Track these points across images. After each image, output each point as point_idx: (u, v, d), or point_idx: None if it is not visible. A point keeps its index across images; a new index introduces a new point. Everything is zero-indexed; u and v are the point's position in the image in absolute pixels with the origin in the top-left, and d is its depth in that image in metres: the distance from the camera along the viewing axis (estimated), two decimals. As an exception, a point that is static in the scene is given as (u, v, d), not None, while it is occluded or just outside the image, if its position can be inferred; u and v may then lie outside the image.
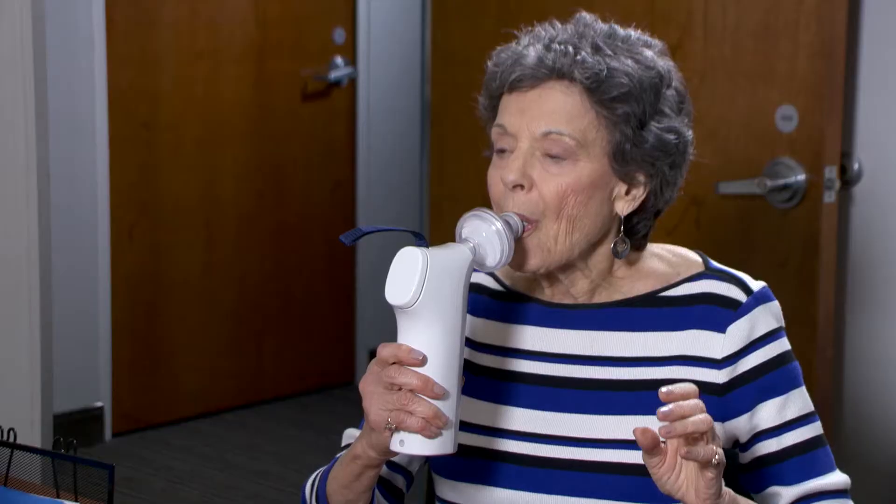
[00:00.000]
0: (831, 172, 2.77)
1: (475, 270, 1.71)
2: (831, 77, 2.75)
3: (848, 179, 2.98)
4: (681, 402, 1.54)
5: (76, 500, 1.85)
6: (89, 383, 4.66)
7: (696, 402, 1.55)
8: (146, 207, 4.76)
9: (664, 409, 1.53)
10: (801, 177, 2.78)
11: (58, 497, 1.87)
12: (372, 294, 5.33)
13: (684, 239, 2.90)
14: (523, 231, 1.71)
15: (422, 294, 1.60)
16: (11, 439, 1.91)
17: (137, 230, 4.74)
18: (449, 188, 3.33)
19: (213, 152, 4.90)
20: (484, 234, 1.67)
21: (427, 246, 1.63)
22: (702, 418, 1.55)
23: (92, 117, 4.57)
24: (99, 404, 4.70)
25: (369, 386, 1.64)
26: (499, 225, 1.67)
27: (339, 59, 5.17)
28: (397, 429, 1.62)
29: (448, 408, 1.62)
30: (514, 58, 1.73)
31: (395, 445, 1.63)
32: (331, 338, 5.32)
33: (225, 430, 4.86)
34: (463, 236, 1.68)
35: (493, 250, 1.67)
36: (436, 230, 3.39)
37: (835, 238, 2.82)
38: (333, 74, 5.14)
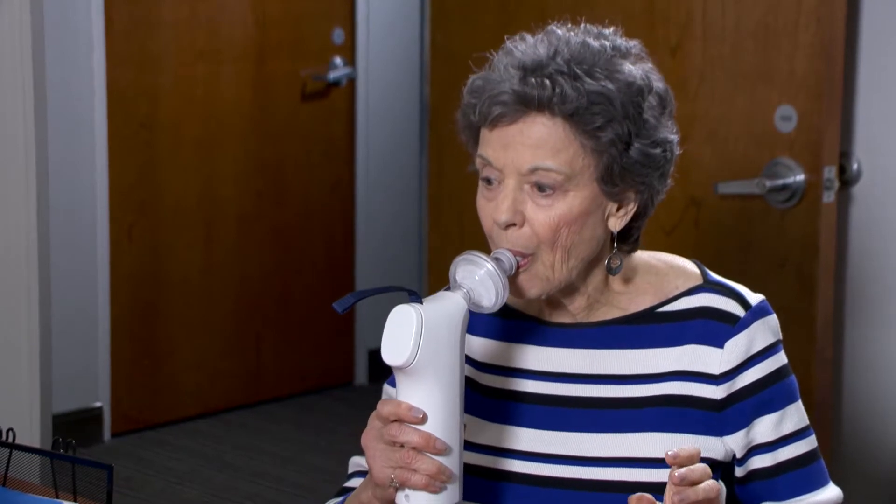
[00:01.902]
0: (830, 172, 2.77)
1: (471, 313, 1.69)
2: (830, 77, 2.75)
3: (847, 179, 2.98)
4: (692, 468, 1.54)
5: (75, 501, 1.85)
6: (88, 383, 4.66)
7: (704, 468, 1.55)
8: (145, 207, 4.76)
9: (681, 472, 1.53)
10: (800, 177, 2.78)
11: (57, 497, 1.87)
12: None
13: (683, 239, 2.90)
14: (518, 267, 1.70)
15: (418, 353, 1.59)
16: (10, 439, 1.91)
17: (137, 230, 4.75)
18: (448, 188, 3.33)
19: (213, 152, 4.90)
20: (476, 278, 1.66)
21: (420, 301, 1.62)
22: (711, 485, 1.55)
23: (91, 117, 4.57)
24: (98, 404, 4.70)
25: (371, 441, 1.64)
26: (489, 266, 1.66)
27: (338, 60, 5.17)
28: (402, 486, 1.62)
29: (451, 461, 1.63)
30: (490, 91, 1.69)
31: (400, 501, 1.64)
32: (330, 338, 5.32)
33: (224, 431, 4.86)
34: (457, 280, 1.67)
35: (487, 292, 1.66)
36: (434, 230, 3.39)
37: (834, 238, 2.82)
38: (332, 75, 5.14)
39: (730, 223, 2.90)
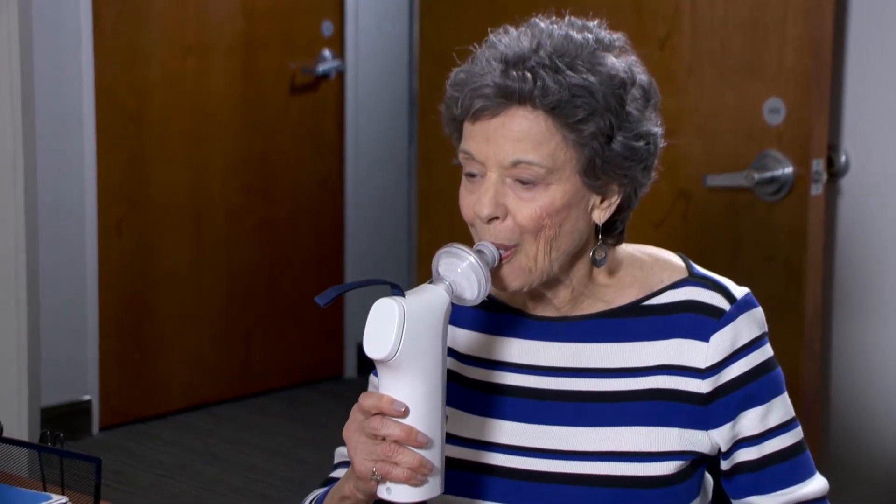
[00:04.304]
0: (818, 165, 2.78)
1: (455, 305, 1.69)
2: (818, 70, 2.76)
3: (835, 172, 2.99)
4: None
5: (63, 494, 1.85)
6: (77, 377, 4.66)
7: None
8: (134, 201, 4.76)
9: None
10: (789, 169, 2.79)
11: (45, 490, 1.88)
12: (360, 288, 5.32)
13: (672, 232, 2.91)
14: (501, 259, 1.69)
15: (400, 347, 1.59)
16: (-2, 432, 1.91)
17: (125, 224, 4.74)
18: (437, 181, 3.33)
19: (201, 146, 4.90)
20: (458, 271, 1.65)
21: (403, 294, 1.61)
22: None
23: (79, 111, 4.56)
24: (87, 398, 4.70)
25: (353, 434, 1.64)
26: (472, 259, 1.65)
27: (327, 53, 5.17)
28: (383, 479, 1.62)
29: (433, 454, 1.62)
30: (472, 84, 1.68)
31: (382, 493, 1.63)
32: (319, 331, 5.32)
33: (213, 424, 4.86)
34: (439, 273, 1.67)
35: (469, 285, 1.66)
36: (424, 223, 3.39)
37: (822, 230, 2.83)
38: (321, 67, 5.14)
39: (718, 216, 2.91)
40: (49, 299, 4.22)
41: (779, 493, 1.78)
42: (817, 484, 1.80)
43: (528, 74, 1.65)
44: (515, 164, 1.67)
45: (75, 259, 4.61)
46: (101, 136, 4.63)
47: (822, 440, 3.03)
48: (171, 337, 4.90)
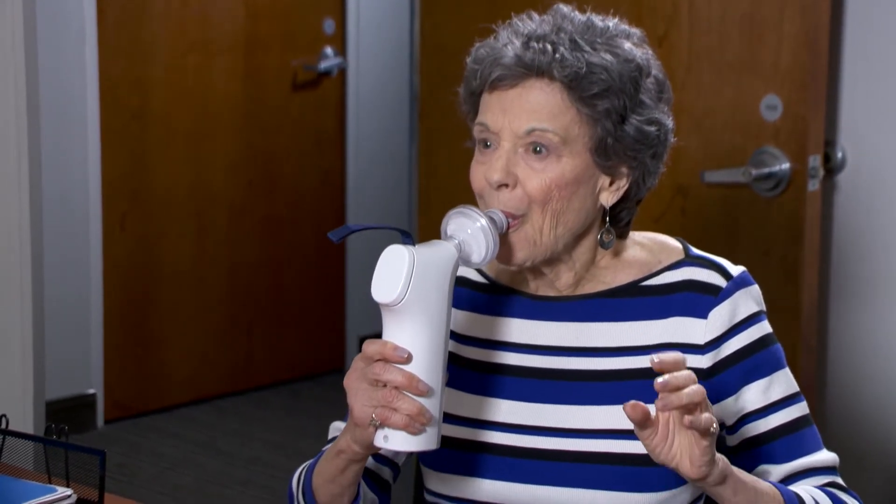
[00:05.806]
0: (815, 161, 2.79)
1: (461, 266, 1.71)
2: (815, 67, 2.77)
3: (831, 168, 3.01)
4: (675, 374, 1.54)
5: (68, 486, 1.87)
6: (81, 371, 4.68)
7: (689, 374, 1.56)
8: (137, 197, 4.78)
9: (660, 379, 1.53)
10: (786, 165, 2.80)
11: (49, 482, 1.89)
12: (362, 282, 5.35)
13: (670, 227, 2.92)
14: (508, 227, 1.72)
15: (408, 292, 1.61)
16: (4, 425, 1.93)
17: (129, 220, 4.77)
18: (437, 178, 3.34)
19: (204, 143, 4.92)
20: (469, 231, 1.68)
21: (413, 244, 1.64)
22: (695, 389, 1.55)
23: (83, 108, 4.58)
24: (91, 391, 4.72)
25: (354, 382, 1.65)
26: (483, 222, 1.67)
27: (328, 50, 5.19)
28: (381, 425, 1.63)
29: (432, 404, 1.64)
30: (492, 56, 1.72)
31: (378, 441, 1.64)
32: (321, 325, 5.34)
33: (216, 417, 4.88)
34: (448, 233, 1.69)
35: (477, 247, 1.68)
36: (424, 220, 3.40)
37: (818, 226, 2.84)
38: (323, 65, 5.16)
39: (716, 211, 2.92)
40: (54, 294, 4.24)
41: (788, 462, 1.79)
42: (826, 455, 1.82)
43: (549, 46, 1.70)
44: (530, 133, 1.71)
45: (79, 254, 4.63)
46: (104, 132, 4.65)
47: (818, 434, 3.04)
48: (174, 331, 4.93)
